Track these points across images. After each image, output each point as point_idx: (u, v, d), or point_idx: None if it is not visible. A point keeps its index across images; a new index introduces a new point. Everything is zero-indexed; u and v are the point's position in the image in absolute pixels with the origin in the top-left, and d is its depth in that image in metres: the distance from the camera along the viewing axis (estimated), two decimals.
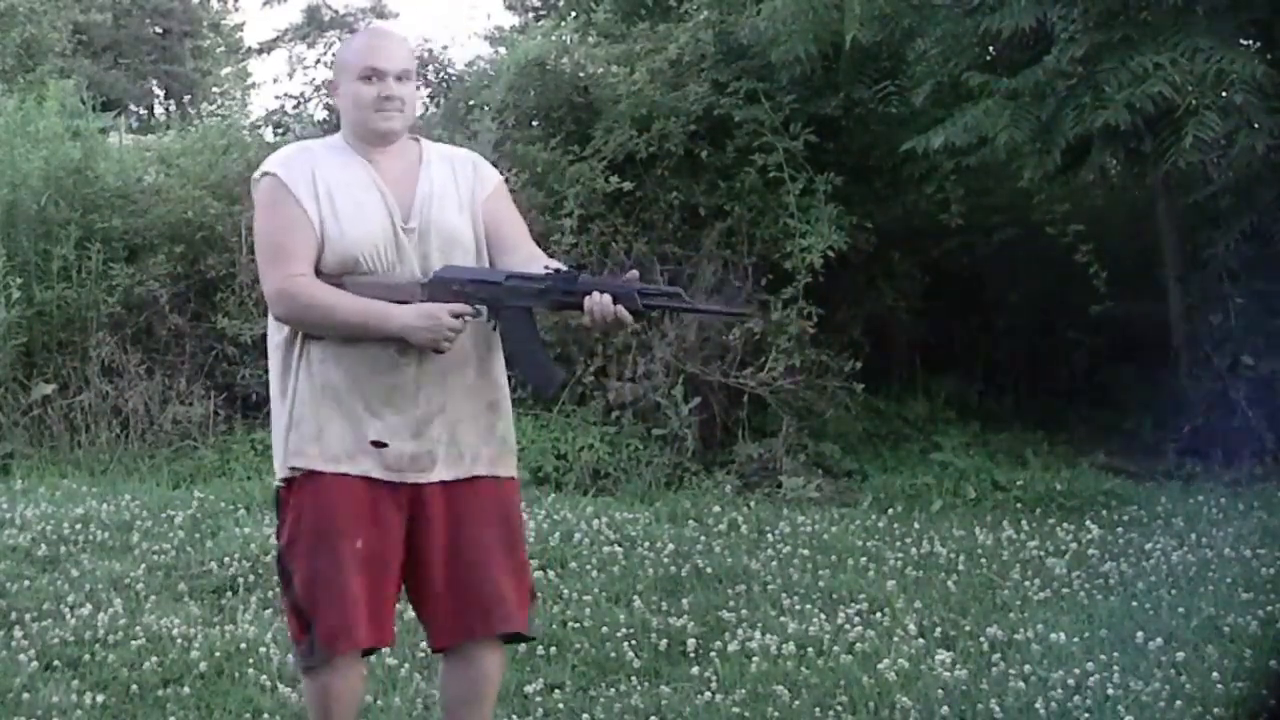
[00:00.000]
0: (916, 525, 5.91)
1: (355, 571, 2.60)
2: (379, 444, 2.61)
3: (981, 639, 4.09)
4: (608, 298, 2.52)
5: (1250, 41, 6.45)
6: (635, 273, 2.63)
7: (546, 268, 2.62)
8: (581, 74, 7.70)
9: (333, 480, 2.61)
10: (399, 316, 2.54)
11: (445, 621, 2.73)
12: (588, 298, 2.53)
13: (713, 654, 3.98)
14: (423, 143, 2.79)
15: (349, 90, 2.66)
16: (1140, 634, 4.04)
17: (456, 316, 2.56)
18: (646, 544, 5.30)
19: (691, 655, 3.99)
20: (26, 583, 4.70)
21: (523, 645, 3.97)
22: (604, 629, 4.18)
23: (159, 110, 24.94)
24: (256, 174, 2.70)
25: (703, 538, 5.50)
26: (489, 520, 2.74)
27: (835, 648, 4.01)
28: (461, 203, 2.72)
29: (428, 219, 2.66)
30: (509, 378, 2.83)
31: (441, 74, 9.20)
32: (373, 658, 3.84)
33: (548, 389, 2.87)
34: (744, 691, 3.66)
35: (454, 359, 2.65)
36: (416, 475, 2.65)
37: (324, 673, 2.67)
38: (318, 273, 2.59)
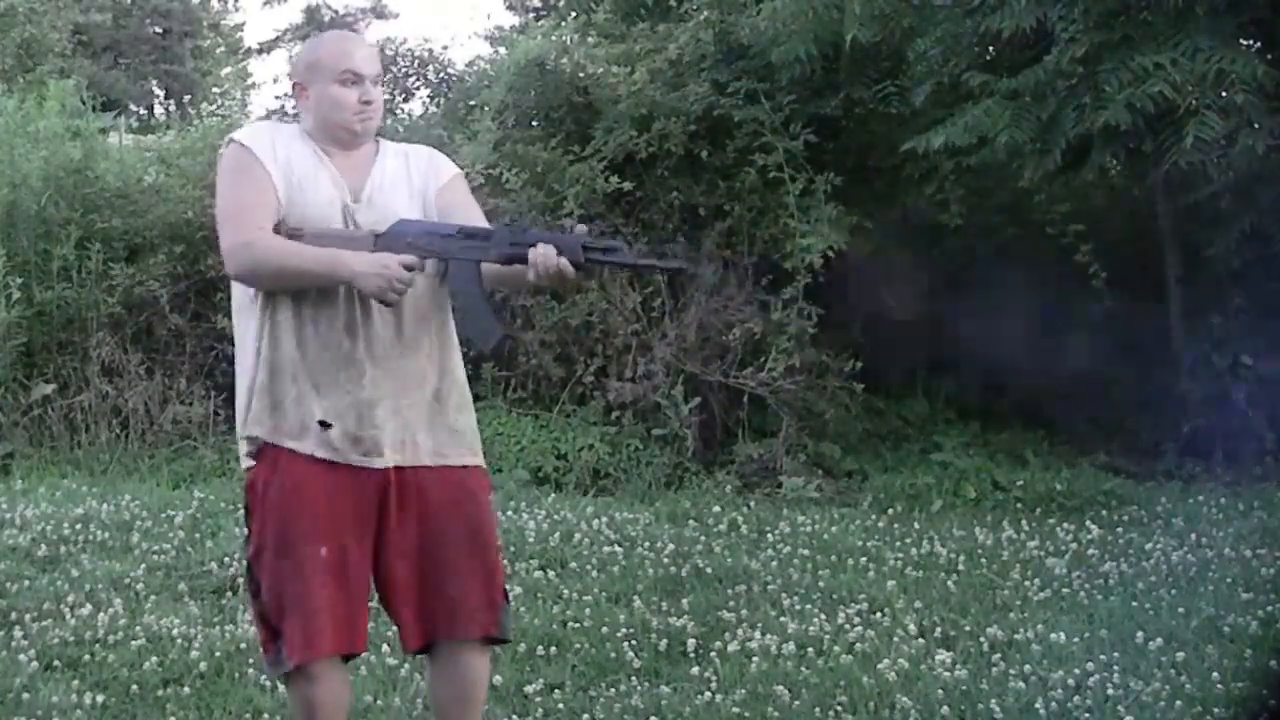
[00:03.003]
0: (916, 525, 5.91)
1: (320, 579, 2.59)
2: (324, 424, 2.61)
3: (981, 639, 4.10)
4: (551, 249, 2.53)
5: (1250, 41, 6.45)
6: (583, 228, 2.63)
7: (498, 222, 2.68)
8: (581, 74, 7.70)
9: (291, 466, 2.61)
10: (350, 263, 2.55)
11: (413, 622, 2.73)
12: (532, 249, 2.55)
13: (713, 654, 3.98)
14: (381, 142, 2.82)
15: (325, 92, 2.67)
16: (1140, 634, 4.04)
17: (408, 269, 2.57)
18: (646, 544, 5.30)
19: (691, 655, 3.99)
20: (26, 583, 4.70)
21: (522, 645, 4.00)
22: (604, 629, 4.18)
23: (159, 110, 24.93)
24: (222, 146, 2.74)
25: (703, 538, 5.50)
26: (454, 518, 2.71)
27: (835, 648, 4.01)
28: (413, 191, 2.75)
29: (374, 202, 2.69)
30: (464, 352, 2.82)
31: (441, 74, 9.21)
32: (373, 658, 3.85)
33: (487, 343, 2.85)
34: (744, 691, 3.66)
35: (405, 346, 2.67)
36: (363, 459, 2.63)
37: (302, 683, 2.66)
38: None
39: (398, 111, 9.20)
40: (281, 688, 3.60)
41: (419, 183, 2.77)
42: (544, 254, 2.53)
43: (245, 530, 2.72)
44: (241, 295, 2.71)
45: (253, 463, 2.65)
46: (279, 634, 2.63)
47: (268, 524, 2.63)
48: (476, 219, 2.78)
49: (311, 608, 2.60)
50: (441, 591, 2.70)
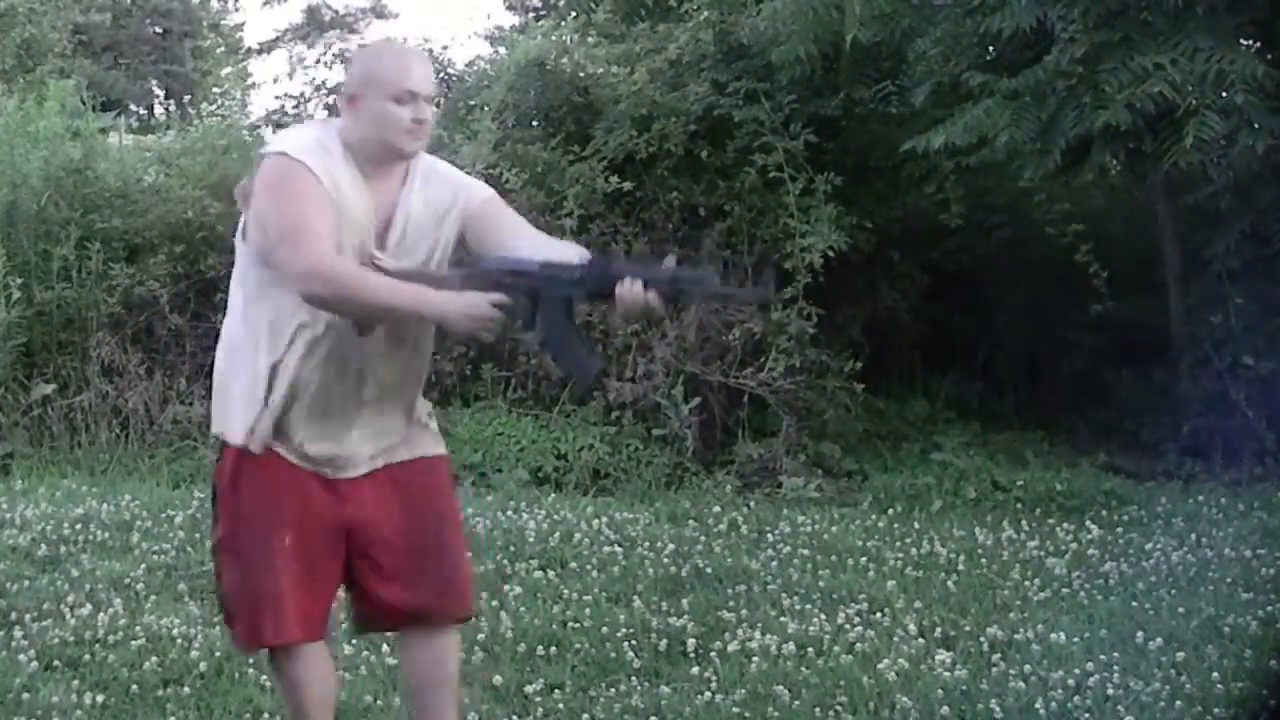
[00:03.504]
0: (916, 525, 5.91)
1: (282, 568, 2.62)
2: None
3: (981, 639, 4.09)
4: (639, 284, 2.45)
5: (1250, 41, 6.44)
6: (672, 259, 2.57)
7: (581, 257, 2.58)
8: (581, 74, 7.70)
9: (263, 456, 2.63)
10: (439, 303, 2.51)
11: (398, 606, 2.75)
12: (620, 284, 2.46)
13: (713, 654, 3.98)
14: (411, 162, 2.72)
15: (378, 108, 2.59)
16: (1140, 634, 4.04)
17: (497, 307, 2.52)
18: (646, 544, 5.30)
19: (691, 655, 3.99)
20: (26, 583, 4.69)
21: (522, 645, 4.01)
22: (604, 629, 4.18)
23: (159, 110, 24.93)
24: (264, 151, 2.62)
25: (703, 538, 5.50)
26: (435, 502, 2.78)
27: (835, 648, 4.01)
28: (441, 216, 2.70)
29: (402, 243, 2.65)
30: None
31: (441, 74, 9.19)
32: (373, 658, 3.86)
33: (586, 380, 2.83)
34: (744, 691, 3.66)
35: (405, 379, 2.72)
36: (334, 472, 2.67)
37: (285, 663, 2.70)
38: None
39: None
40: None
41: (445, 204, 2.71)
42: (631, 290, 2.46)
43: (212, 515, 2.75)
44: (262, 302, 2.62)
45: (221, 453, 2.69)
46: (234, 618, 2.70)
47: (235, 510, 2.67)
48: (524, 223, 2.76)
49: (273, 594, 2.63)
50: (433, 573, 2.74)
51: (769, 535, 5.60)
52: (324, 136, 2.62)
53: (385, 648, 3.90)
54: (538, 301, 2.55)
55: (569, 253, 2.61)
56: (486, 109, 7.99)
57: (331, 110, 8.72)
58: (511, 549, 5.19)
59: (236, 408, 2.65)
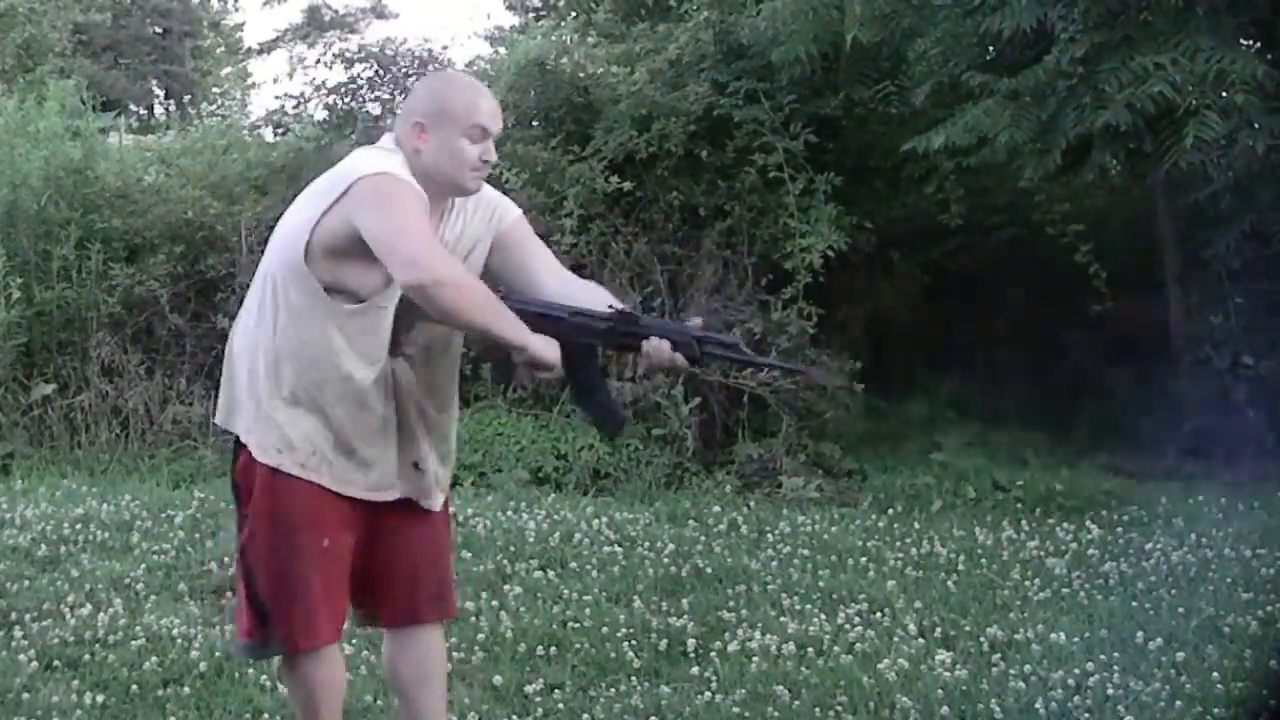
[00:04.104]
0: (916, 525, 5.91)
1: (320, 569, 2.64)
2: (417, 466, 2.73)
3: (981, 639, 4.09)
4: (666, 343, 2.50)
5: (1250, 41, 6.45)
6: (698, 320, 2.62)
7: (610, 306, 2.59)
8: (581, 74, 7.70)
9: (297, 481, 2.63)
10: (525, 335, 2.50)
11: (400, 606, 2.81)
12: (646, 341, 2.51)
13: (713, 654, 3.98)
14: None
15: (450, 142, 2.58)
16: (1140, 634, 4.04)
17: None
18: (646, 544, 5.30)
19: (691, 655, 3.99)
20: (26, 583, 4.69)
21: (522, 645, 4.02)
22: (604, 629, 4.18)
23: (159, 110, 24.93)
24: (379, 169, 2.54)
25: (703, 538, 5.50)
26: (441, 536, 2.88)
27: (835, 648, 4.01)
28: (476, 240, 2.72)
29: None
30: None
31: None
32: (373, 658, 3.85)
33: (611, 427, 2.85)
34: (744, 691, 3.66)
35: (439, 409, 2.77)
36: (367, 494, 2.70)
37: (308, 666, 2.69)
38: (339, 288, 2.57)
39: (398, 111, 9.19)
40: (282, 687, 3.61)
41: (480, 229, 2.73)
42: (658, 348, 2.51)
43: (237, 514, 2.74)
44: (299, 330, 2.58)
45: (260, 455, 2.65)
46: (268, 619, 2.66)
47: (268, 508, 2.64)
48: (551, 256, 2.77)
49: (313, 596, 2.63)
50: (431, 576, 2.82)
51: (769, 535, 5.60)
52: (402, 163, 2.60)
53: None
54: (564, 347, 2.56)
55: (594, 296, 2.64)
56: None
57: (339, 114, 8.72)
58: (511, 549, 5.19)
59: (262, 425, 2.63)
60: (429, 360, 2.70)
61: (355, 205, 2.50)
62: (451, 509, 5.94)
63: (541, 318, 2.56)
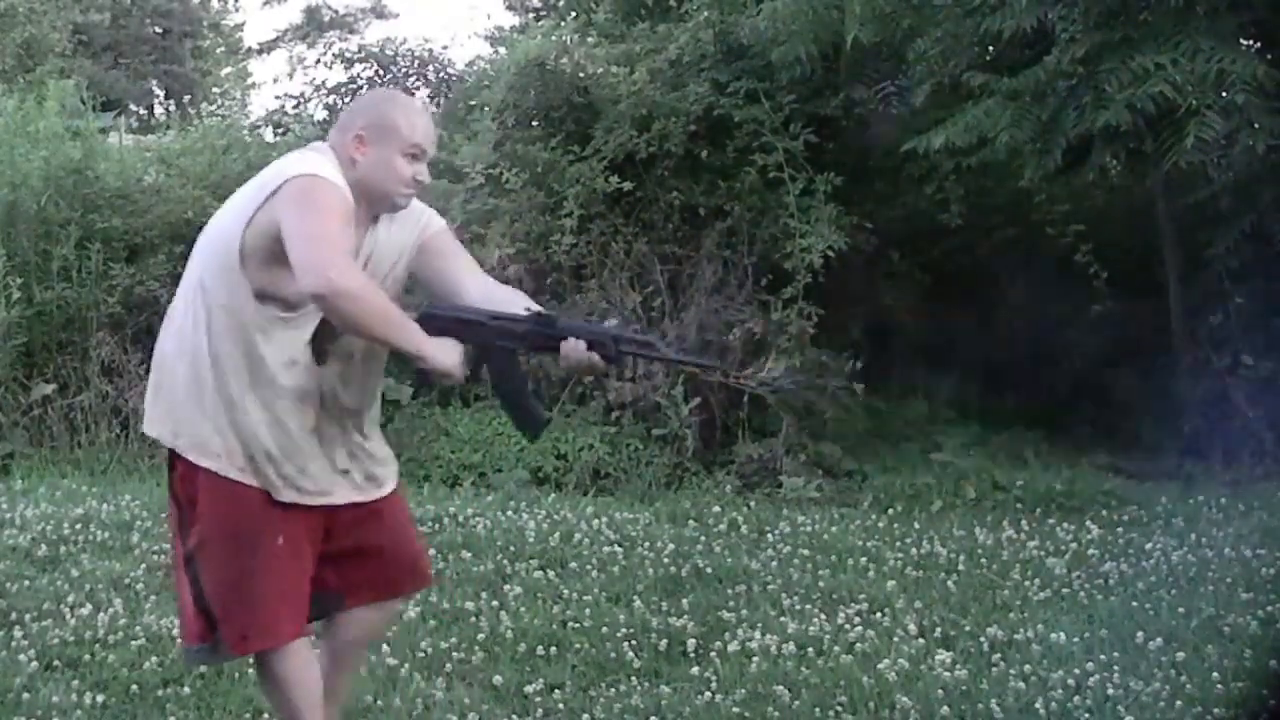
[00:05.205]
0: (916, 525, 5.91)
1: (276, 567, 2.64)
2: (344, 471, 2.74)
3: (981, 639, 4.09)
4: (583, 344, 2.57)
5: (1250, 41, 6.45)
6: (615, 320, 2.66)
7: (527, 309, 2.65)
8: (581, 74, 7.70)
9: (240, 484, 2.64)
10: (423, 342, 2.54)
11: (374, 583, 2.84)
12: (564, 342, 2.58)
13: (713, 654, 3.98)
14: None
15: (388, 157, 2.63)
16: (1140, 634, 4.03)
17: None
18: (646, 544, 5.30)
19: (691, 655, 3.99)
20: (26, 583, 4.69)
21: (522, 645, 4.01)
22: (604, 629, 4.18)
23: (159, 110, 24.93)
24: (306, 171, 2.58)
25: (703, 538, 5.50)
26: (401, 527, 2.93)
27: (835, 648, 4.01)
28: (400, 250, 2.75)
29: (361, 269, 2.66)
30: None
31: (441, 74, 9.21)
32: (373, 658, 3.85)
33: (534, 432, 2.91)
34: (744, 691, 3.66)
35: (364, 408, 2.79)
36: (308, 499, 2.71)
37: (278, 663, 2.70)
38: (270, 294, 2.58)
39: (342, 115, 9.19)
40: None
41: (407, 238, 2.76)
42: (574, 349, 2.57)
43: (176, 524, 2.74)
44: (235, 337, 2.60)
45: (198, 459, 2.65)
46: (219, 623, 2.67)
47: (215, 515, 2.64)
48: (470, 268, 2.80)
49: (270, 595, 2.64)
50: (404, 554, 2.90)
51: (769, 535, 5.60)
52: (334, 167, 2.63)
53: (385, 648, 3.91)
54: (485, 351, 2.64)
55: (515, 301, 2.69)
56: (486, 109, 7.99)
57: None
58: (511, 549, 5.19)
59: (206, 428, 2.63)
60: (356, 367, 2.72)
61: (281, 204, 2.53)
62: (451, 509, 5.97)
63: (463, 324, 2.62)
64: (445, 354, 2.56)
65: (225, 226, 2.64)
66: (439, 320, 2.61)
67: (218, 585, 2.66)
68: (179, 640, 2.92)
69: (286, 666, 2.70)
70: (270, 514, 2.64)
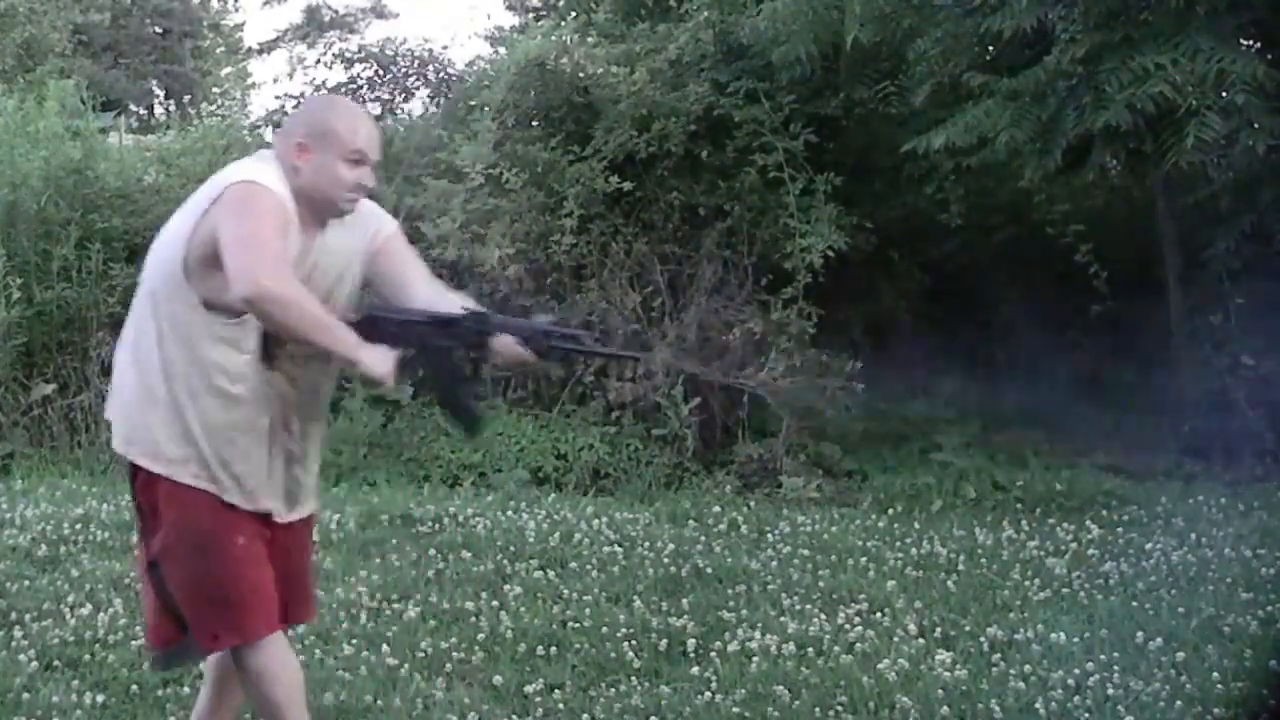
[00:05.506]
0: (916, 525, 5.91)
1: (242, 566, 2.67)
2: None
3: (981, 639, 4.09)
4: (513, 339, 2.65)
5: (1250, 42, 6.45)
6: (545, 316, 2.71)
7: (464, 308, 2.71)
8: (581, 74, 7.70)
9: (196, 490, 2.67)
10: (356, 348, 2.57)
11: (286, 606, 2.84)
12: (496, 338, 2.65)
13: (713, 654, 3.98)
14: None
15: (329, 163, 2.64)
16: (1140, 634, 4.03)
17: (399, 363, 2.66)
18: (646, 544, 5.30)
19: (691, 655, 3.99)
20: (26, 583, 4.69)
21: (522, 645, 4.01)
22: (604, 629, 4.18)
23: (159, 110, 24.92)
24: (245, 178, 2.62)
25: (703, 538, 5.50)
26: (306, 548, 2.97)
27: (835, 648, 4.01)
28: (349, 254, 2.76)
29: (307, 275, 2.68)
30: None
31: (441, 74, 9.21)
32: (373, 658, 3.86)
33: (471, 431, 2.94)
34: (744, 691, 3.66)
35: (314, 412, 2.81)
36: (254, 507, 2.73)
37: (255, 659, 2.70)
38: (216, 303, 2.59)
39: (398, 111, 9.21)
40: None
41: (358, 242, 2.77)
42: (505, 345, 2.65)
43: (141, 531, 2.76)
44: (185, 346, 2.62)
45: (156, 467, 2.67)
46: (189, 624, 2.69)
47: (177, 520, 2.66)
48: (420, 271, 2.84)
49: (240, 593, 2.66)
50: (305, 581, 2.95)
51: (769, 535, 5.60)
52: (277, 175, 2.65)
53: (385, 648, 3.91)
54: (422, 350, 2.68)
55: (456, 304, 2.73)
56: (486, 109, 7.99)
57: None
58: (511, 549, 5.19)
59: (158, 436, 2.65)
60: (305, 374, 2.73)
61: (218, 212, 2.56)
62: (451, 509, 5.97)
63: (401, 324, 2.68)
64: (378, 360, 2.58)
65: (172, 237, 2.67)
66: (378, 322, 2.66)
67: (185, 587, 2.68)
68: (146, 645, 2.95)
69: (262, 661, 2.71)
70: (227, 516, 2.67)
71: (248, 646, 2.69)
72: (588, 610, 4.38)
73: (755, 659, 3.92)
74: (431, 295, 2.77)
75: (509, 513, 5.85)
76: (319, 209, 2.68)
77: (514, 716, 3.55)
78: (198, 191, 2.68)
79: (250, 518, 2.70)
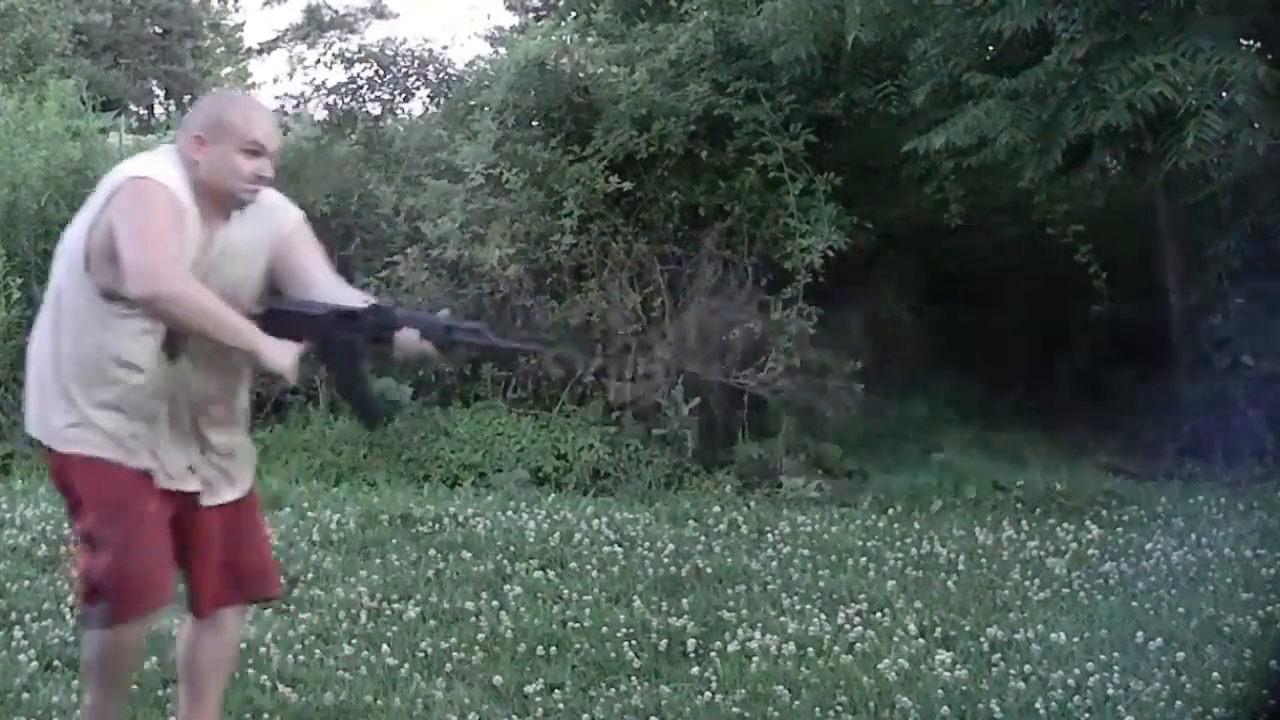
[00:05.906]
0: (916, 525, 5.91)
1: (149, 535, 2.70)
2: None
3: (981, 639, 4.09)
4: (414, 334, 2.68)
5: (1250, 41, 6.45)
6: (446, 311, 2.78)
7: (365, 302, 2.74)
8: (581, 74, 7.70)
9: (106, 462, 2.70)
10: (256, 340, 2.60)
11: (216, 591, 2.88)
12: (399, 332, 2.67)
13: (713, 654, 3.98)
14: None
15: (225, 156, 2.67)
16: (1140, 634, 4.03)
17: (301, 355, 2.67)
18: (646, 544, 5.30)
19: (691, 655, 3.99)
20: (26, 583, 4.68)
21: (522, 645, 4.00)
22: (604, 629, 4.18)
23: (159, 110, 24.90)
24: (138, 173, 2.64)
25: (703, 538, 5.50)
26: (251, 498, 2.94)
27: (835, 648, 4.01)
28: (255, 246, 2.77)
29: (218, 268, 2.70)
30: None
31: (441, 74, 9.20)
32: (373, 658, 3.86)
33: (372, 423, 2.96)
34: (744, 691, 3.65)
35: (226, 398, 2.83)
36: (166, 481, 2.75)
37: (125, 630, 2.73)
38: (115, 294, 2.60)
39: (398, 112, 9.21)
40: (282, 687, 3.62)
41: (263, 234, 2.78)
42: (407, 338, 2.69)
43: (69, 503, 2.79)
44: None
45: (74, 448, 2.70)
46: (101, 590, 2.70)
47: (93, 493, 2.70)
48: (321, 261, 2.85)
49: (145, 564, 2.69)
50: (249, 560, 2.92)
51: (769, 535, 5.60)
52: (174, 168, 2.67)
53: (385, 648, 3.91)
54: (327, 343, 2.72)
55: (356, 299, 2.76)
56: (486, 109, 7.98)
57: (339, 114, 8.73)
58: (511, 549, 5.19)
59: (59, 419, 2.69)
60: (209, 364, 2.74)
61: (114, 208, 2.59)
62: (451, 509, 5.96)
63: (305, 318, 2.70)
64: (280, 354, 2.61)
65: (75, 232, 2.70)
66: (280, 316, 2.69)
67: (103, 562, 2.70)
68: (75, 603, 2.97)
69: (136, 633, 2.75)
70: (138, 482, 2.70)
71: (137, 619, 2.73)
72: (588, 610, 4.38)
73: (755, 659, 3.91)
74: (333, 288, 2.78)
75: (509, 513, 5.85)
76: (219, 201, 2.70)
77: (514, 716, 3.55)
78: (99, 186, 2.70)
79: (163, 490, 2.72)
